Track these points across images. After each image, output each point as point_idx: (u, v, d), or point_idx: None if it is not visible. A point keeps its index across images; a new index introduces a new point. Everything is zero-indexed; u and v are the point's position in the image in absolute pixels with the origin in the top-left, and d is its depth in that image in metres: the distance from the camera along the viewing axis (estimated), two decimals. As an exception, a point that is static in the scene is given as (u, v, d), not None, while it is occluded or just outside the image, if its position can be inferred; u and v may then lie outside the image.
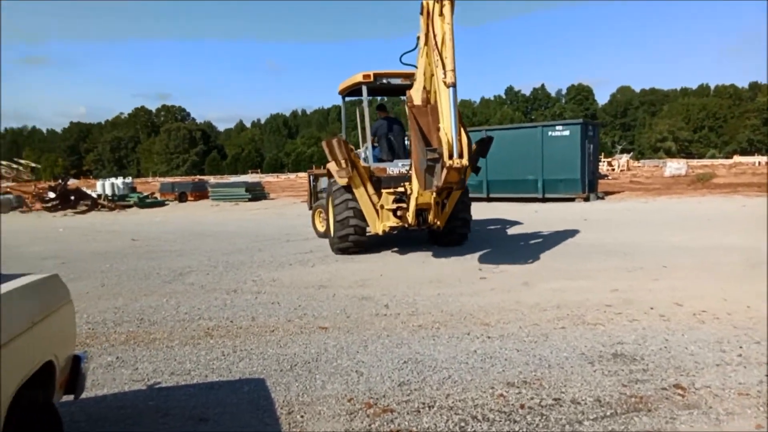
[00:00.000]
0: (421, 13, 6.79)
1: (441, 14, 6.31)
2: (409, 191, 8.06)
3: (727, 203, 15.92)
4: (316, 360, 4.07)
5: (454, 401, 3.30)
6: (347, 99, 9.95)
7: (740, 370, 3.57)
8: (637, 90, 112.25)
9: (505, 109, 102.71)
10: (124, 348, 4.50)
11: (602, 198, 19.07)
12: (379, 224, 8.44)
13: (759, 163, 42.40)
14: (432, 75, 6.91)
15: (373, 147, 9.10)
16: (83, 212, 20.81)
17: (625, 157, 45.03)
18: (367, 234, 8.73)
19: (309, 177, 12.53)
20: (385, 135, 9.18)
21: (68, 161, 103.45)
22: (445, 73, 6.22)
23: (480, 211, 15.73)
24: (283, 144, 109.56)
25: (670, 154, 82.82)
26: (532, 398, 3.29)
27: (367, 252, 8.78)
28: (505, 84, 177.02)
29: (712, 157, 77.61)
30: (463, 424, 3.01)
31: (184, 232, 13.39)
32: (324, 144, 8.56)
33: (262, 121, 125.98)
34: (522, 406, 3.19)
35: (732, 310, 4.87)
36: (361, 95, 9.20)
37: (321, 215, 10.71)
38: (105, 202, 22.49)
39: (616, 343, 4.16)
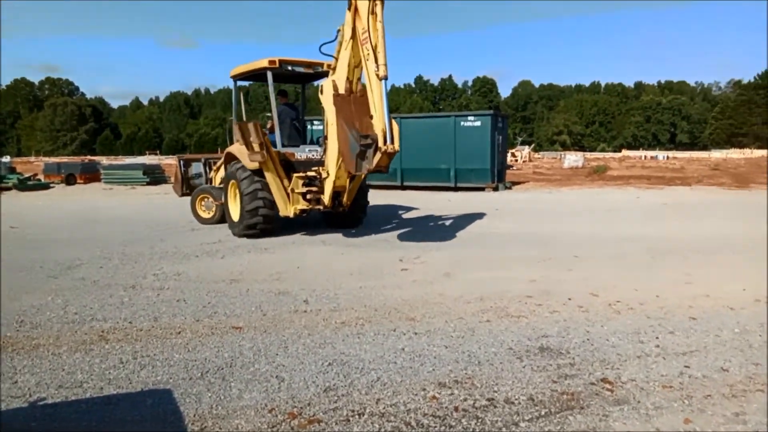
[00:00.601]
0: (349, 9, 7.30)
1: (373, 12, 6.84)
2: (325, 175, 8.41)
3: (622, 194, 17.11)
4: (230, 365, 3.69)
5: (385, 407, 3.09)
6: (239, 84, 10.08)
7: (660, 361, 3.67)
8: (537, 85, 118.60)
9: (414, 98, 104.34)
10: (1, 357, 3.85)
11: (509, 188, 19.79)
12: (290, 207, 8.68)
13: (645, 157, 46.26)
14: (356, 66, 7.59)
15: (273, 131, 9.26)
16: (-50, 195, 18.33)
17: (527, 149, 47.30)
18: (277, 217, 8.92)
19: (179, 162, 12.11)
20: (289, 120, 9.37)
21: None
22: (377, 67, 6.81)
23: (395, 199, 15.73)
24: (184, 124, 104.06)
25: (565, 147, 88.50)
26: (465, 399, 3.16)
27: (282, 238, 8.38)
28: (415, 73, 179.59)
29: (602, 150, 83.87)
30: (397, 433, 2.80)
31: (72, 218, 12.13)
32: (236, 127, 8.59)
33: (161, 99, 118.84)
34: (456, 409, 3.04)
35: (643, 299, 5.07)
36: (257, 81, 9.76)
37: (203, 202, 10.71)
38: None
39: (540, 336, 4.15)
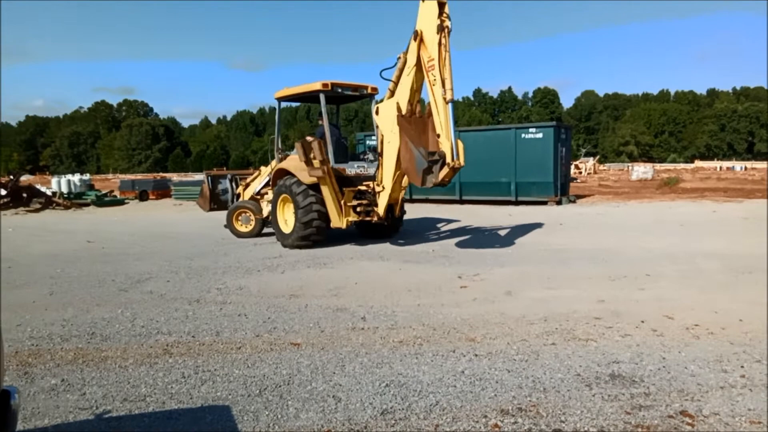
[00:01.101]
0: (414, 39, 8.10)
1: (441, 43, 7.66)
2: (380, 189, 9.20)
3: (697, 208, 16.12)
4: (288, 383, 3.67)
5: (444, 433, 2.96)
6: (282, 105, 10.95)
7: (746, 393, 3.34)
8: (601, 94, 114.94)
9: (473, 111, 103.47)
10: (71, 368, 4.00)
11: (574, 201, 19.13)
12: (342, 219, 9.25)
13: (720, 168, 43.65)
14: (416, 90, 8.50)
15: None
16: (36, 210, 19.71)
17: (591, 161, 45.74)
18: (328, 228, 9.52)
19: (207, 178, 12.45)
20: (335, 138, 9.80)
21: (24, 156, 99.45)
22: (445, 91, 7.62)
23: (453, 213, 15.54)
24: (250, 141, 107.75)
25: (632, 158, 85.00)
26: (529, 429, 2.98)
27: (339, 253, 8.42)
28: (473, 86, 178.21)
29: (673, 161, 79.97)
30: (457, 463, 2.67)
31: (143, 233, 12.71)
32: (299, 144, 9.03)
33: (228, 118, 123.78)
34: (520, 439, 2.87)
35: (725, 323, 4.68)
36: (304, 102, 10.98)
37: (240, 216, 11.14)
38: (60, 200, 21.35)
39: (611, 362, 3.89)
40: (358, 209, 9.35)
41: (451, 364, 3.92)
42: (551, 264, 7.58)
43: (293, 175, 9.36)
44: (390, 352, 4.20)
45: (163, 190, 25.60)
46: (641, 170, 30.24)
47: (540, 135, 17.81)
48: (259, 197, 11.28)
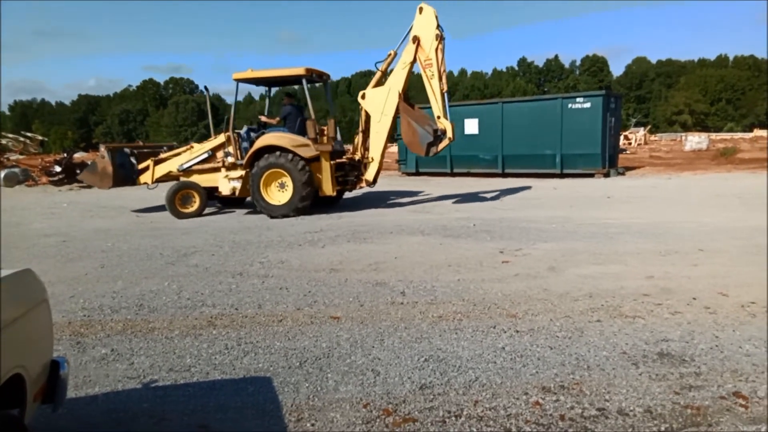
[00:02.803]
0: (412, 42, 10.41)
1: (438, 48, 10.14)
2: (370, 160, 11.04)
3: (756, 180, 15.25)
4: (327, 356, 3.70)
5: (483, 410, 2.92)
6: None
7: (808, 375, 3.15)
8: (653, 61, 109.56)
9: (517, 81, 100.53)
10: (120, 339, 4.16)
11: (623, 174, 18.47)
12: (334, 188, 10.62)
13: (781, 137, 41.15)
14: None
15: (281, 128, 10.94)
16: (88, 187, 20.48)
17: (642, 131, 43.95)
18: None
19: (108, 151, 11.61)
20: (300, 119, 10.84)
21: (78, 134, 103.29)
22: (441, 84, 10.21)
23: (495, 186, 15.26)
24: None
25: (686, 128, 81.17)
26: (572, 407, 2.90)
27: (379, 227, 8.41)
28: (518, 55, 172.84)
29: (730, 130, 75.88)
30: (496, 440, 2.63)
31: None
32: (310, 123, 10.40)
33: (272, 94, 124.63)
34: (562, 417, 2.80)
35: (785, 301, 4.43)
36: (269, 86, 12.22)
37: (181, 197, 11.09)
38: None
39: (660, 341, 3.74)
40: (340, 179, 10.89)
41: (492, 340, 3.86)
42: (597, 239, 7.34)
43: (288, 151, 10.17)
44: (429, 327, 4.18)
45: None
46: (695, 140, 28.82)
47: (588, 105, 17.16)
48: (182, 173, 11.53)
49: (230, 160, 11.10)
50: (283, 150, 10.25)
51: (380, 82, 11.13)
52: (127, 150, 12.06)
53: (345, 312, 4.59)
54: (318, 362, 3.61)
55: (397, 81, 10.70)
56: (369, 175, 11.11)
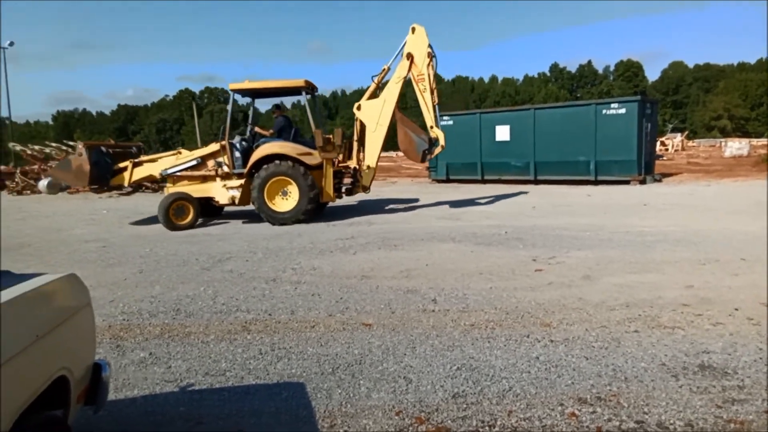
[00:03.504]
0: (406, 59, 11.14)
1: (429, 65, 11.03)
2: (365, 168, 11.41)
3: (800, 187, 14.70)
4: (359, 362, 3.72)
5: (518, 420, 2.88)
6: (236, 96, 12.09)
7: None
8: (691, 65, 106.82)
9: (549, 87, 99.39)
10: (158, 342, 4.26)
11: (659, 180, 18.03)
12: (333, 194, 11.04)
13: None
14: (403, 95, 11.88)
15: (276, 138, 11.09)
16: (128, 194, 21.06)
17: (679, 137, 42.84)
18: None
19: (86, 150, 11.02)
20: (292, 130, 11.32)
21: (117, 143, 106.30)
22: (433, 97, 11.09)
23: (528, 194, 15.08)
24: (324, 124, 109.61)
25: (724, 133, 78.77)
26: (609, 419, 2.84)
27: (410, 234, 8.40)
28: (550, 61, 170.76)
29: (773, 136, 73.21)
30: (531, 451, 2.59)
31: (225, 213, 13.26)
32: (317, 133, 10.49)
33: (302, 102, 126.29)
34: (599, 430, 2.75)
35: (834, 313, 4.25)
36: (264, 97, 12.62)
37: (174, 208, 10.80)
38: (149, 184, 22.66)
39: (701, 352, 3.63)
40: (336, 186, 11.33)
41: (525, 350, 3.81)
42: (634, 247, 7.18)
43: (292, 159, 10.48)
44: (461, 335, 4.15)
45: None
46: (735, 146, 27.95)
47: (623, 110, 16.85)
48: (166, 180, 11.51)
49: (225, 169, 11.16)
50: (285, 158, 10.52)
51: (374, 95, 11.66)
52: (103, 149, 11.63)
53: (377, 319, 4.60)
54: (350, 369, 3.62)
55: (391, 94, 11.31)
56: (365, 181, 11.58)
